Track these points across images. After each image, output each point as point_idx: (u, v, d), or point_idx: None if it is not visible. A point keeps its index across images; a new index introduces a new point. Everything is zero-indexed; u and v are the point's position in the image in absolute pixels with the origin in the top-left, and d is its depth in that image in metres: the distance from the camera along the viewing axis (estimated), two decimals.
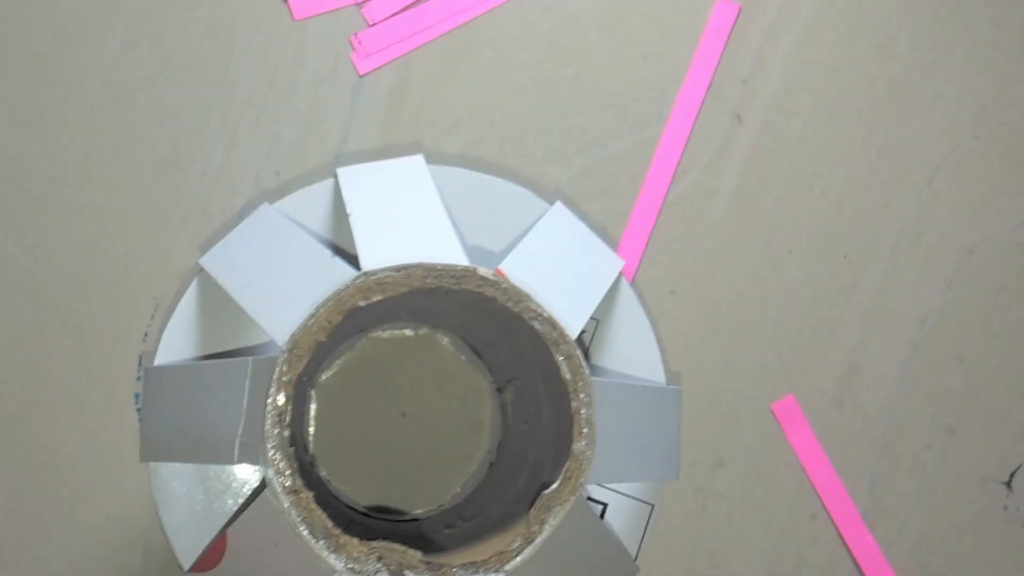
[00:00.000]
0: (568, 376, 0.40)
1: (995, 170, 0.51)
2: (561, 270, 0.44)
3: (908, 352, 0.50)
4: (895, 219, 0.50)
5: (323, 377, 0.45)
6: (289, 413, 0.38)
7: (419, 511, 0.45)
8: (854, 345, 0.50)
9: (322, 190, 0.46)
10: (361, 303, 0.39)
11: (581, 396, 0.39)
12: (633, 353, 0.47)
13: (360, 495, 0.45)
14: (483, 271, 0.40)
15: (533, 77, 0.49)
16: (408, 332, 0.46)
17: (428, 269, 0.40)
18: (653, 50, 0.50)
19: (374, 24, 0.49)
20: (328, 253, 0.42)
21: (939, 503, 0.49)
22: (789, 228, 0.50)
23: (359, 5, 0.48)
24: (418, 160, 0.46)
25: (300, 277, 0.41)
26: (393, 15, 0.49)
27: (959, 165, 0.50)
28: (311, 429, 0.45)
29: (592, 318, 0.47)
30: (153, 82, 0.47)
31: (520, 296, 0.40)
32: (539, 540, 0.39)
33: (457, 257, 0.41)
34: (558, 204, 0.47)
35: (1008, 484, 0.50)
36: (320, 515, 0.38)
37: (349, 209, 0.44)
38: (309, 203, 0.46)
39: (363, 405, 0.45)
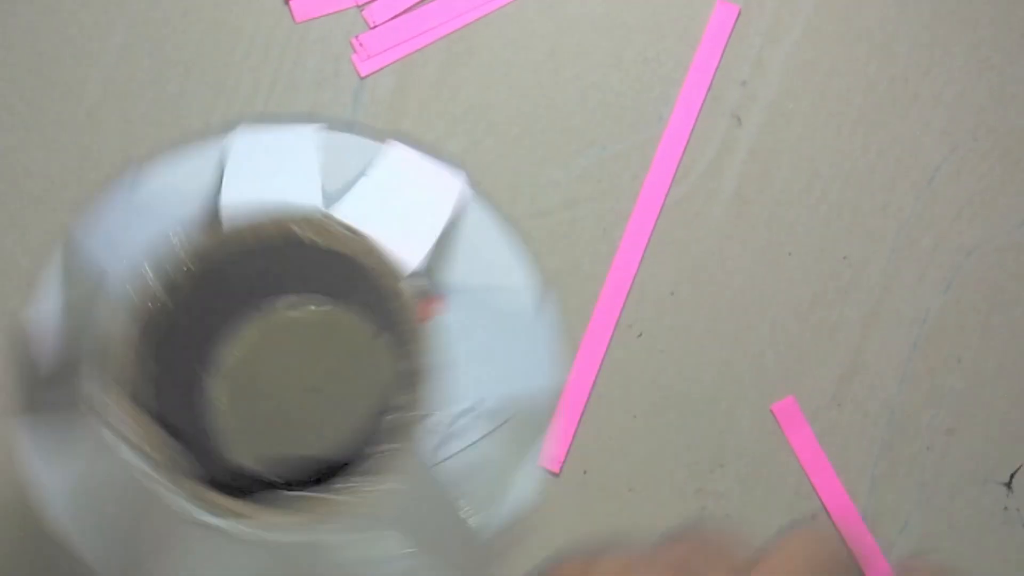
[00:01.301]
0: (399, 307, 0.38)
1: (994, 171, 0.51)
2: (396, 204, 0.43)
3: (908, 353, 0.50)
4: (894, 220, 0.50)
5: (226, 354, 0.45)
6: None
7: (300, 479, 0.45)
8: (854, 346, 0.50)
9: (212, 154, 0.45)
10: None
11: (416, 328, 0.38)
12: (494, 267, 0.46)
13: (268, 468, 0.45)
14: (305, 216, 0.38)
15: (533, 79, 0.49)
16: (312, 308, 0.45)
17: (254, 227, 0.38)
18: (653, 52, 0.50)
19: (375, 26, 0.49)
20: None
21: (939, 504, 0.50)
22: (788, 229, 0.50)
23: (360, 8, 0.49)
24: (309, 129, 0.45)
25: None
26: (394, 17, 0.49)
27: (958, 166, 0.51)
28: (218, 407, 0.44)
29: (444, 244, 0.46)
30: (154, 83, 0.48)
31: (336, 234, 0.38)
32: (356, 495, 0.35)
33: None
34: (390, 142, 0.46)
35: (1008, 485, 0.50)
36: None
37: (226, 170, 0.43)
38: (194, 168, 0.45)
39: (269, 382, 0.45)
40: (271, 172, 0.43)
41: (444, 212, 0.44)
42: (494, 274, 0.45)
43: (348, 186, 0.43)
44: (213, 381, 0.45)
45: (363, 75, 0.49)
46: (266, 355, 0.46)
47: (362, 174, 0.43)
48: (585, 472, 0.49)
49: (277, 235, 0.38)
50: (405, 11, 0.49)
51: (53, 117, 0.47)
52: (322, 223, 0.38)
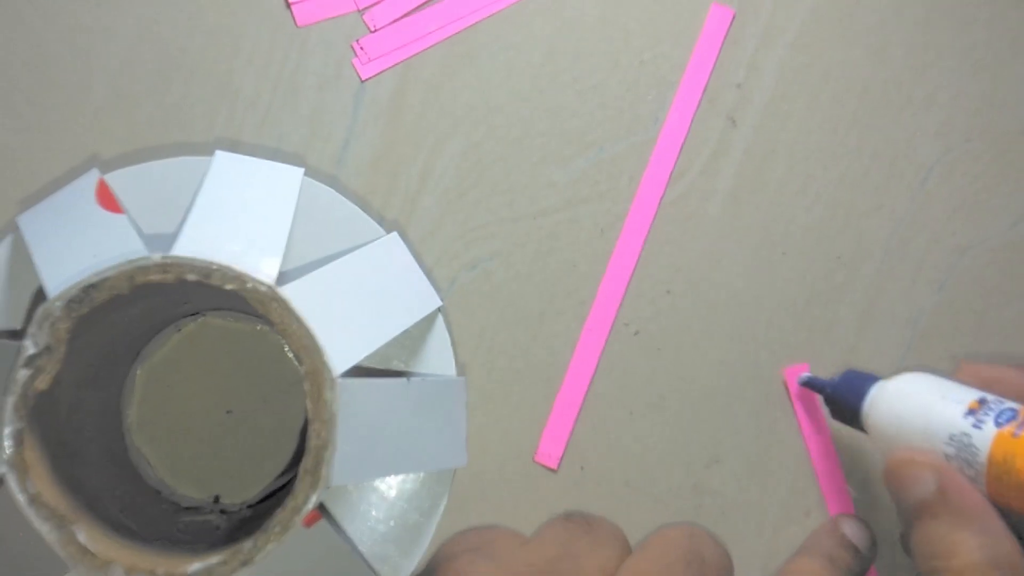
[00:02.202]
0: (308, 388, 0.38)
1: (988, 172, 0.51)
2: (359, 295, 0.43)
3: (902, 352, 0.50)
4: (888, 220, 0.51)
5: (150, 356, 0.45)
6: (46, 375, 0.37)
7: (231, 502, 0.46)
8: (848, 345, 0.50)
9: (159, 168, 0.45)
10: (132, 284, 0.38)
11: (322, 402, 0.38)
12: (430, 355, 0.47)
13: (177, 482, 0.45)
14: (259, 285, 0.39)
15: (531, 81, 0.50)
16: (240, 324, 0.46)
17: (198, 267, 0.38)
18: (649, 55, 0.50)
19: (376, 30, 0.49)
20: (132, 234, 0.40)
21: None
22: (783, 229, 0.50)
23: (361, 12, 0.49)
24: (295, 172, 0.45)
25: (96, 247, 0.40)
26: (394, 21, 0.49)
27: (952, 167, 0.51)
28: (133, 410, 0.45)
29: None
30: (158, 87, 0.48)
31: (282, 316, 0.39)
32: (256, 556, 0.36)
33: (270, 268, 0.40)
34: (394, 235, 0.46)
35: None
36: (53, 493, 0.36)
37: (202, 192, 0.42)
38: (141, 182, 0.44)
39: (189, 392, 0.46)
40: (243, 206, 0.43)
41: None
42: (417, 358, 0.46)
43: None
44: (128, 399, 0.46)
45: (364, 78, 0.49)
46: (184, 370, 0.46)
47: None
48: (582, 468, 0.49)
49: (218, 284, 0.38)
50: (405, 15, 0.49)
51: (58, 120, 0.48)
52: (264, 297, 0.38)
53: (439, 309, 0.47)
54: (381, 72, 0.49)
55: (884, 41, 0.51)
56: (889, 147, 0.51)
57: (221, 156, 0.45)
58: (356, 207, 0.46)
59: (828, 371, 0.50)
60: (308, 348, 0.38)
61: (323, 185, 0.46)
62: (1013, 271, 0.51)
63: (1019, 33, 0.51)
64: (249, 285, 0.38)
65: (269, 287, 0.38)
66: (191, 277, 0.38)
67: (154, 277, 0.38)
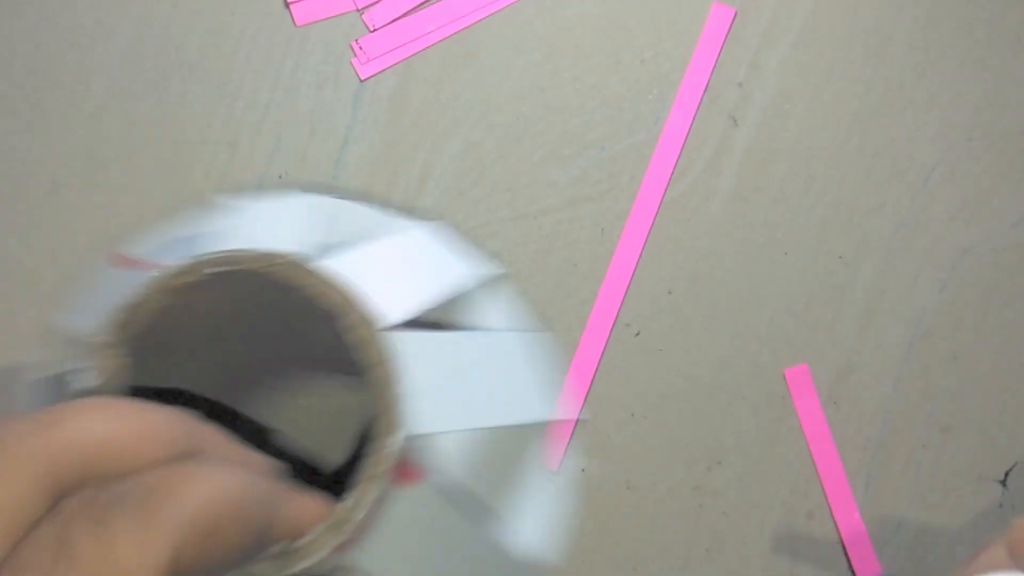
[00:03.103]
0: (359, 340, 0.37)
1: (989, 171, 0.51)
2: (395, 269, 0.42)
3: (903, 351, 0.50)
4: (890, 220, 0.51)
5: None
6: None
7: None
8: (849, 345, 0.50)
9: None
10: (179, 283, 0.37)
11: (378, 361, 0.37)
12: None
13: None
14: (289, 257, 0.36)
15: (531, 80, 0.50)
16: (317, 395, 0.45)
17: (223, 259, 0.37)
18: (650, 54, 0.50)
19: (375, 30, 0.49)
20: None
21: (935, 501, 0.50)
22: (785, 229, 0.50)
23: (360, 11, 0.49)
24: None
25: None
26: (393, 21, 0.49)
27: (953, 167, 0.51)
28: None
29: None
30: (157, 86, 0.48)
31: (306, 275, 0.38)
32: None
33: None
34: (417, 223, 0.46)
35: (1003, 482, 0.50)
36: None
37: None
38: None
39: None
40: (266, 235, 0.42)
41: (441, 287, 0.43)
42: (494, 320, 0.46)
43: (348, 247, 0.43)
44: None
45: (363, 78, 0.49)
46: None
47: (370, 239, 0.43)
48: (583, 470, 0.49)
49: (253, 276, 0.37)
50: (404, 15, 0.49)
51: (58, 119, 0.48)
52: (296, 265, 0.37)
53: (500, 277, 0.46)
54: (380, 72, 0.49)
55: (885, 41, 0.51)
56: (891, 147, 0.51)
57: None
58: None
59: (828, 371, 0.50)
60: (348, 302, 0.37)
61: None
62: (1014, 271, 0.51)
63: (1020, 33, 0.51)
64: (278, 261, 0.37)
65: (298, 257, 0.37)
66: (212, 270, 0.36)
67: (179, 280, 0.36)
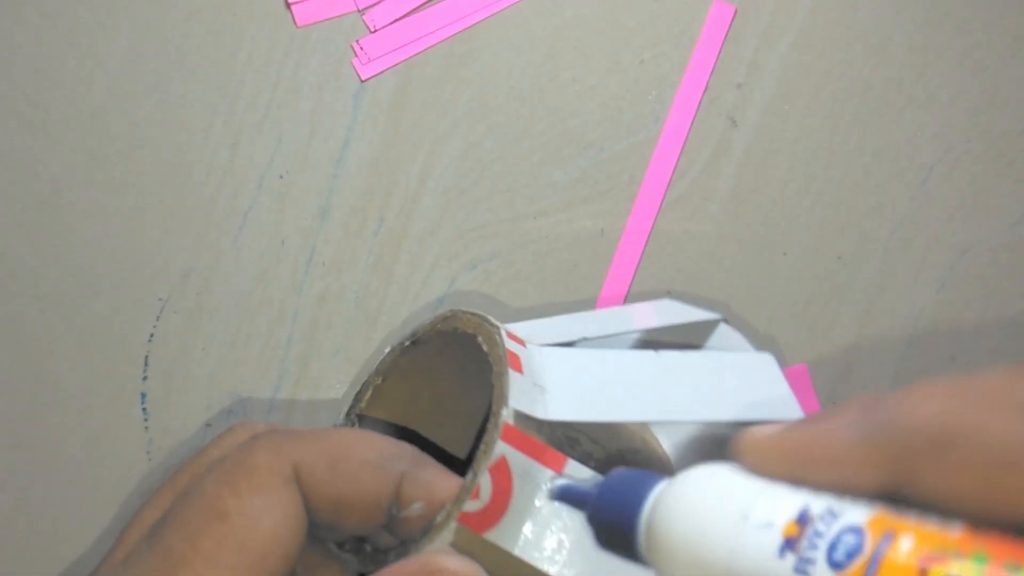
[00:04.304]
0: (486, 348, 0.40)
1: (988, 172, 0.51)
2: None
3: (902, 351, 0.50)
4: (889, 220, 0.51)
5: None
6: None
7: None
8: (848, 345, 0.50)
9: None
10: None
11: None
12: None
13: None
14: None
15: (531, 81, 0.50)
16: None
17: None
18: (649, 54, 0.50)
19: (376, 30, 0.49)
20: None
21: None
22: (784, 229, 0.50)
23: (361, 12, 0.49)
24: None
25: None
26: (394, 21, 0.49)
27: (952, 167, 0.51)
28: None
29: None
30: (157, 86, 0.48)
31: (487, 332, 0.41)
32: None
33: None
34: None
35: None
36: None
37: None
38: None
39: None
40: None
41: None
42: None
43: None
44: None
45: (364, 79, 0.49)
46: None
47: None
48: None
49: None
50: (405, 15, 0.49)
51: (58, 119, 0.48)
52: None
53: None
54: (381, 72, 0.49)
55: (884, 41, 0.51)
56: (889, 147, 0.51)
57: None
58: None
59: (828, 371, 0.50)
60: (482, 325, 0.41)
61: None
62: (1014, 271, 0.51)
63: (1019, 33, 0.51)
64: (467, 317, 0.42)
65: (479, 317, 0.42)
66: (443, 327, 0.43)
67: (440, 326, 0.43)
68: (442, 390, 0.46)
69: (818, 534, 0.23)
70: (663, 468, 0.44)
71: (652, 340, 0.46)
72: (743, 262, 0.50)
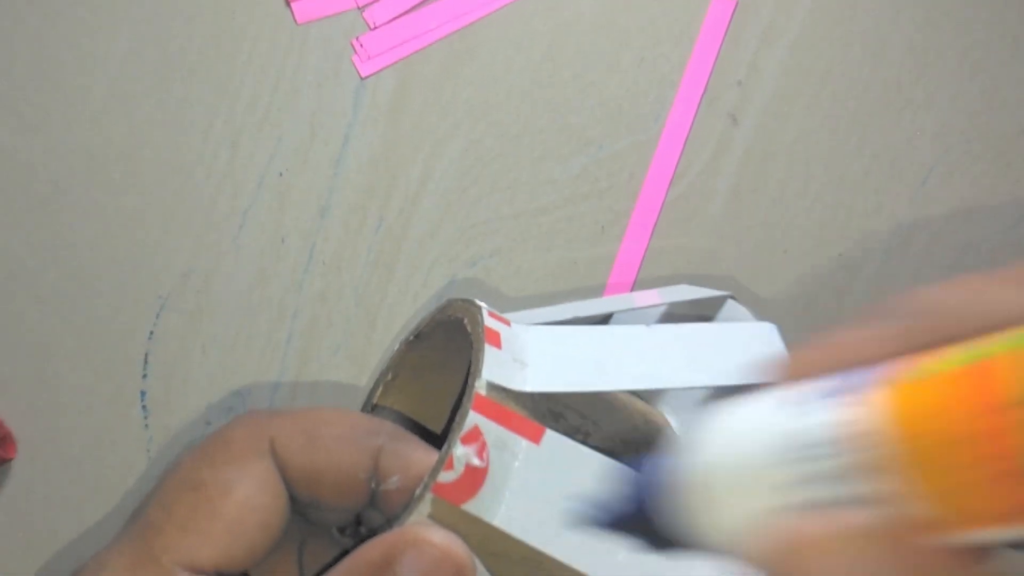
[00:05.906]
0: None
1: (987, 173, 0.51)
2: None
3: None
4: (889, 221, 0.51)
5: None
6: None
7: None
8: None
9: None
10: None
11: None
12: None
13: None
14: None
15: (531, 79, 0.50)
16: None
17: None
18: (650, 53, 0.50)
19: (376, 28, 0.49)
20: None
21: None
22: (784, 229, 0.51)
23: (361, 9, 0.49)
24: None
25: None
26: (394, 19, 0.49)
27: (952, 168, 0.51)
28: None
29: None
30: (157, 86, 0.48)
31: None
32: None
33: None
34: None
35: None
36: None
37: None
38: None
39: None
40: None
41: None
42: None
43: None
44: None
45: (364, 76, 0.49)
46: None
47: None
48: None
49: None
50: (405, 12, 0.49)
51: (59, 120, 0.47)
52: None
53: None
54: (381, 70, 0.49)
55: (884, 42, 0.51)
56: (889, 147, 0.51)
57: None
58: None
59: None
60: (469, 307, 0.41)
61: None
62: None
63: (1019, 34, 0.51)
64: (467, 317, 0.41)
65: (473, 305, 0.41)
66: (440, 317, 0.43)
67: (437, 316, 0.44)
68: (451, 384, 0.46)
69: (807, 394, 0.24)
70: (668, 443, 0.44)
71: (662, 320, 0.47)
72: (743, 261, 0.50)
